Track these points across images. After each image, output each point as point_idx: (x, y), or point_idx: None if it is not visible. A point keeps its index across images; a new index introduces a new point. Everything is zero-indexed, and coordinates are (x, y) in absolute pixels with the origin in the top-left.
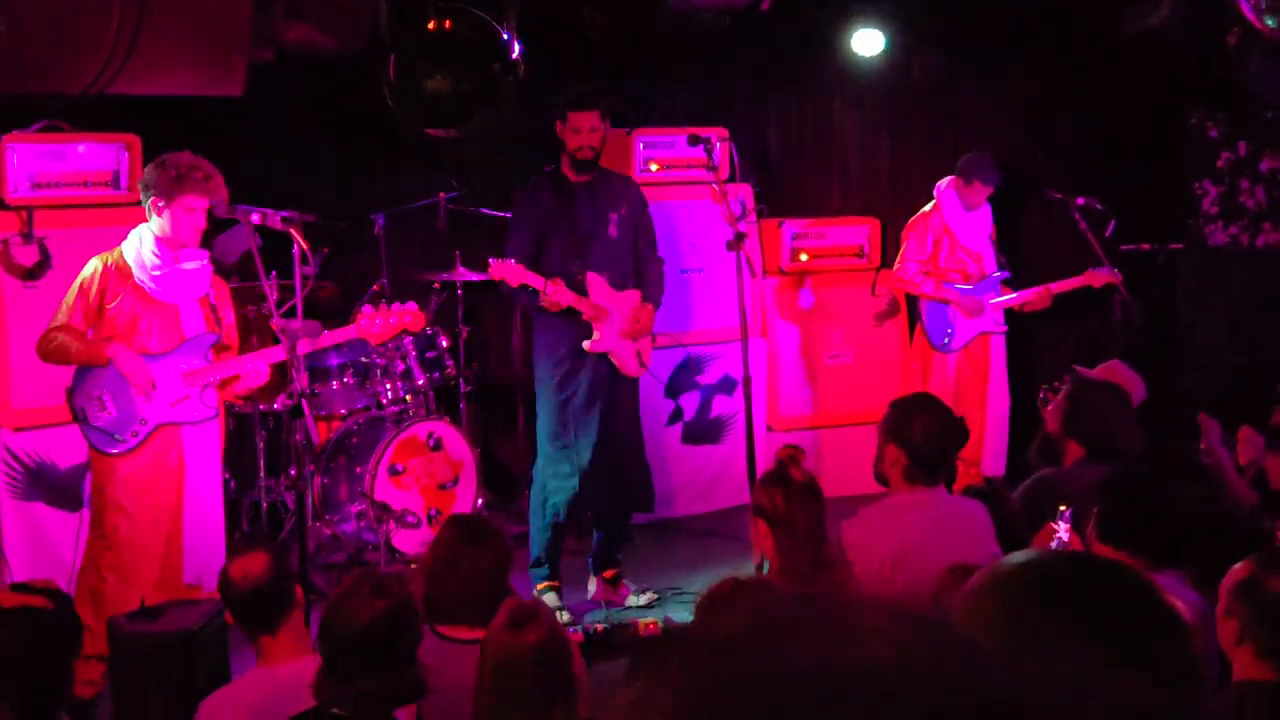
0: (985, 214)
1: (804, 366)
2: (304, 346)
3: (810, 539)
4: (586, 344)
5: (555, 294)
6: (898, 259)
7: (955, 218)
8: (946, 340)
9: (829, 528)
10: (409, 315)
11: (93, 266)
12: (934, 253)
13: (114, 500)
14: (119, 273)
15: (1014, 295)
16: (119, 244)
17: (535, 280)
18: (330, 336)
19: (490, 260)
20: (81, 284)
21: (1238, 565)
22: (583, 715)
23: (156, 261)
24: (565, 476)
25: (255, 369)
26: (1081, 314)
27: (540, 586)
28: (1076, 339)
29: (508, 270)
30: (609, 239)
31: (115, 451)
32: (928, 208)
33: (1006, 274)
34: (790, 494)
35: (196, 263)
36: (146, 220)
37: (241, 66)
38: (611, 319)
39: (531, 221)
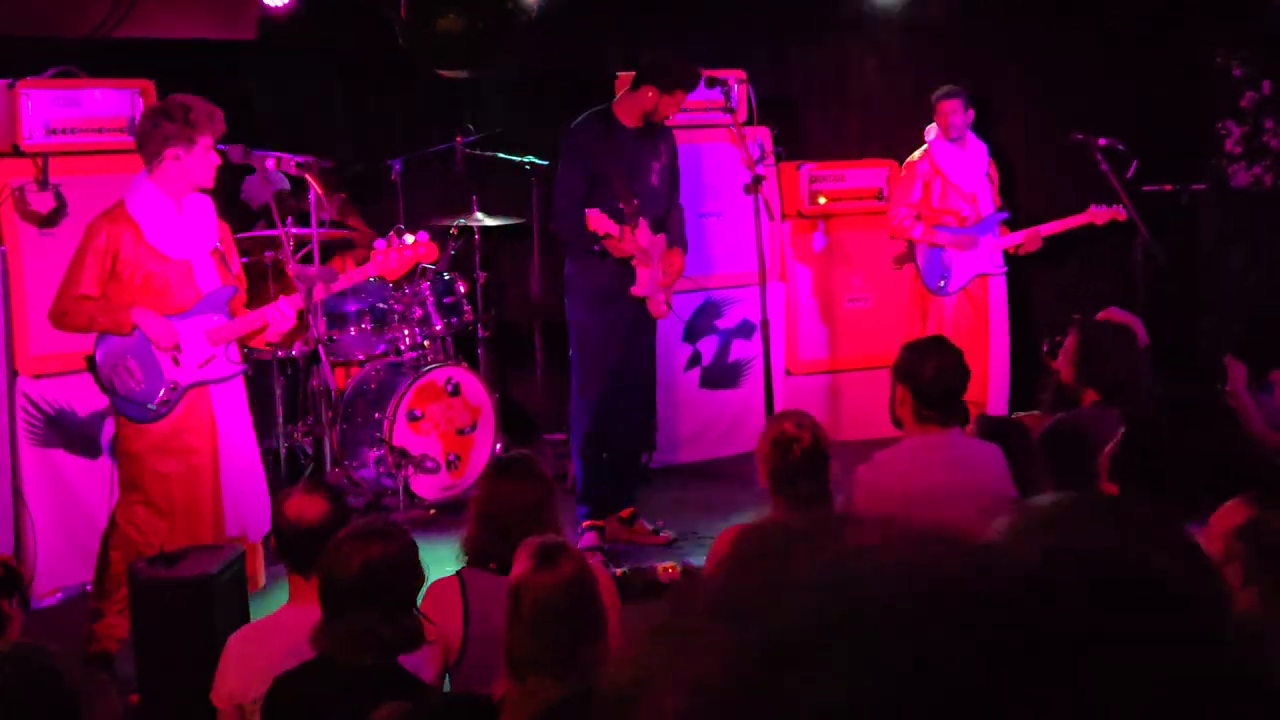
0: (979, 151)
1: (822, 310)
2: (320, 291)
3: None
4: (633, 289)
5: (626, 243)
6: (889, 206)
7: (944, 157)
8: (942, 284)
9: (845, 472)
10: (423, 247)
11: (101, 228)
12: (925, 196)
13: (152, 467)
14: (130, 232)
15: (1005, 238)
16: (121, 198)
17: (614, 228)
18: (347, 277)
19: (587, 212)
20: (92, 247)
21: (1228, 506)
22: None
23: (167, 216)
24: (596, 413)
25: (281, 314)
26: (1104, 257)
27: (583, 525)
28: (1091, 279)
29: (599, 221)
30: (650, 186)
31: (148, 419)
32: (917, 152)
33: (1006, 214)
34: (787, 459)
35: (206, 210)
36: (148, 171)
37: (253, 9)
38: (653, 264)
39: (584, 161)
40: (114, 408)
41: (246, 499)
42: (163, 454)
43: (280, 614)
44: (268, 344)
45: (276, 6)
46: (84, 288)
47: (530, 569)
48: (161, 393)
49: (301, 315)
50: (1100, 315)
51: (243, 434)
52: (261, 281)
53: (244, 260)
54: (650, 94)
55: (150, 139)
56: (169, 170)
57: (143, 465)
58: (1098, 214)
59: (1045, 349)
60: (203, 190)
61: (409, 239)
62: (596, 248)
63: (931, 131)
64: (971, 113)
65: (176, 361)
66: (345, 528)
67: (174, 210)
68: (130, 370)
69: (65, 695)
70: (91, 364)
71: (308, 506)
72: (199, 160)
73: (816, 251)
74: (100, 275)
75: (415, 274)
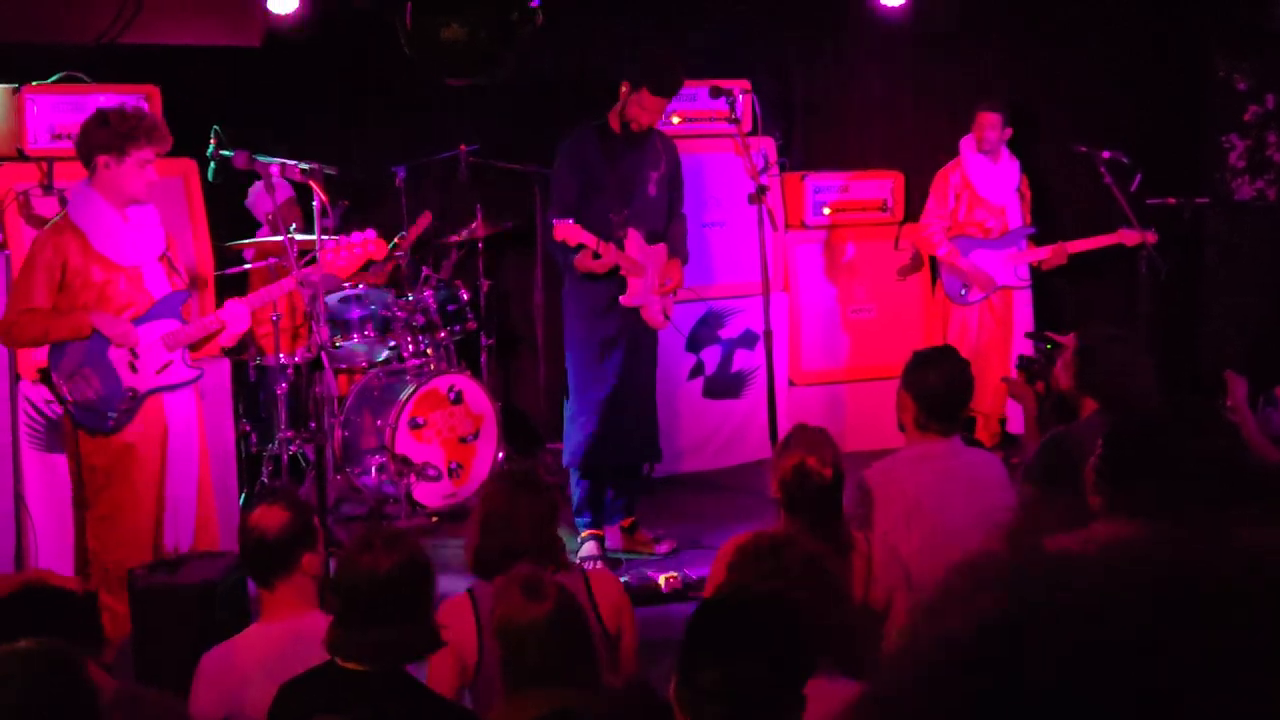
0: (1010, 167)
1: (826, 321)
2: (275, 291)
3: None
4: (622, 299)
5: (607, 255)
6: (922, 215)
7: (976, 170)
8: (964, 293)
9: (849, 480)
10: (371, 244)
11: (47, 241)
12: (955, 207)
13: (114, 480)
14: (76, 242)
15: (1030, 252)
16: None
17: (590, 240)
18: (289, 280)
19: (554, 222)
20: (40, 260)
21: None
22: (628, 670)
23: (112, 223)
24: (590, 425)
25: (236, 315)
26: (1107, 269)
27: (582, 535)
28: (1101, 295)
29: (569, 231)
30: (647, 196)
31: (107, 430)
32: (950, 163)
33: (1032, 229)
34: (805, 491)
35: (151, 218)
36: (89, 180)
37: (259, 17)
38: (646, 274)
39: (577, 171)
40: (71, 421)
41: (184, 511)
42: (126, 467)
43: (250, 631)
44: (223, 349)
45: (282, 14)
46: (34, 301)
47: (518, 605)
48: (120, 401)
49: (255, 317)
50: (1066, 338)
51: (190, 444)
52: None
53: (247, 266)
54: (623, 90)
55: (84, 143)
56: (103, 178)
57: (107, 479)
58: (1128, 235)
59: (1018, 364)
60: (136, 202)
61: (356, 237)
62: (575, 259)
63: (966, 142)
64: (1009, 130)
65: (134, 369)
66: (304, 534)
67: (119, 218)
68: (87, 379)
69: (86, 696)
70: (46, 375)
71: (267, 517)
72: (130, 172)
73: (822, 262)
74: (50, 287)
75: (419, 281)
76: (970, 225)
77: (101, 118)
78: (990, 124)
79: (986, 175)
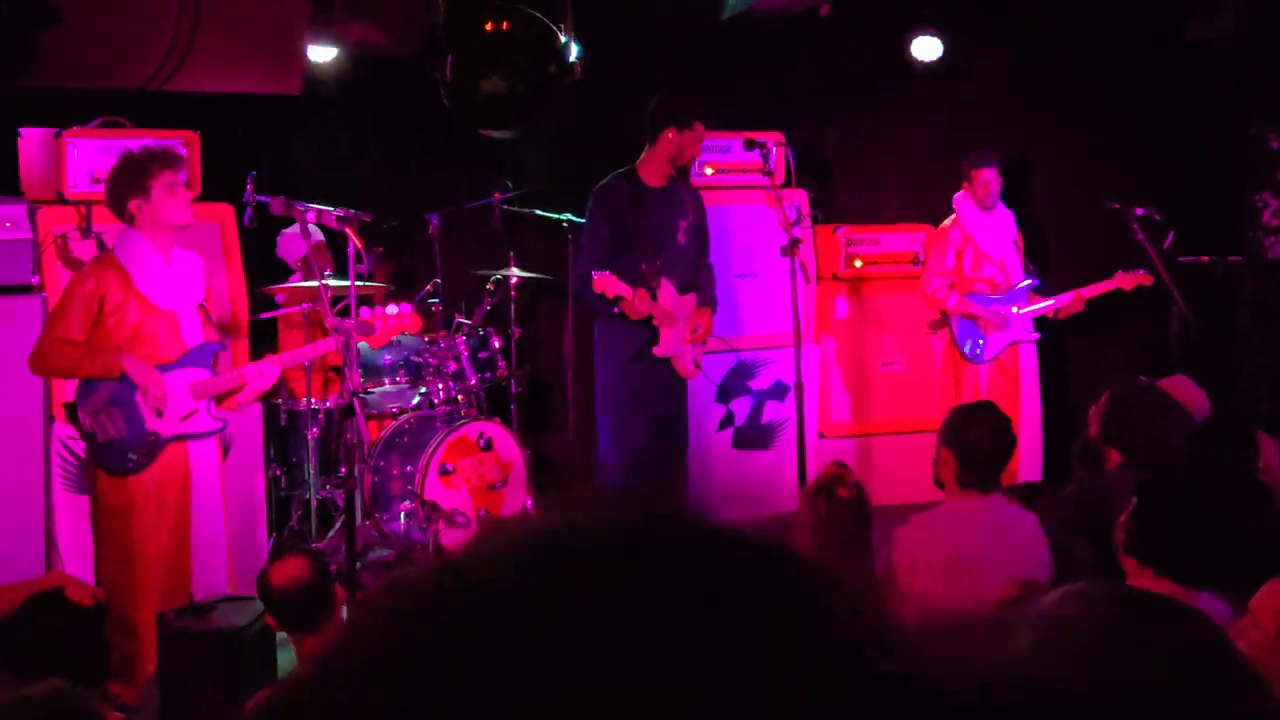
0: (1007, 220)
1: (857, 373)
2: (312, 352)
3: (846, 554)
4: (655, 350)
5: (641, 304)
6: (922, 275)
7: (974, 225)
8: (978, 352)
9: (879, 537)
10: (406, 318)
11: (89, 274)
12: (957, 264)
13: (129, 523)
14: (119, 279)
15: (1049, 301)
16: (112, 248)
17: (625, 290)
18: (319, 346)
19: (594, 275)
20: (79, 291)
21: (1271, 586)
22: None
23: (155, 266)
24: (621, 475)
25: (264, 373)
26: (1138, 325)
27: None
28: (1126, 348)
29: (608, 284)
30: (677, 246)
31: (126, 471)
32: (948, 220)
33: (1035, 281)
34: (832, 508)
35: (194, 266)
36: (132, 226)
37: (300, 65)
38: (677, 324)
39: (609, 222)
40: (92, 459)
41: (213, 562)
42: (141, 510)
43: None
44: (239, 404)
45: (322, 63)
46: (70, 332)
47: None
48: (142, 443)
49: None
50: (1165, 381)
51: (213, 494)
52: (294, 332)
53: (279, 312)
54: (670, 136)
55: (112, 199)
56: (141, 220)
57: (121, 521)
58: (1124, 279)
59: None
60: (184, 228)
61: (391, 309)
62: (616, 310)
63: (961, 198)
64: (1001, 180)
65: (159, 413)
66: (329, 570)
67: (162, 262)
68: (112, 418)
69: None
70: (72, 411)
71: (293, 568)
72: (161, 201)
73: (853, 315)
74: (85, 319)
75: (451, 328)
76: (977, 281)
77: (113, 170)
78: (992, 178)
79: (986, 229)
